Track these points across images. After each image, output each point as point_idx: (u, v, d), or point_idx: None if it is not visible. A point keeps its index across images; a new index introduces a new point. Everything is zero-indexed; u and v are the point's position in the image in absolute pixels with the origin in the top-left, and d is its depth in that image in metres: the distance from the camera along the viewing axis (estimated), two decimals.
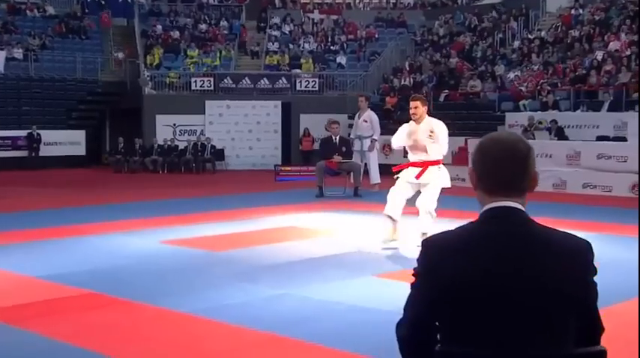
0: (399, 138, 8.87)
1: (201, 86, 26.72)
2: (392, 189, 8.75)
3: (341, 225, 10.51)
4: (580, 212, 12.91)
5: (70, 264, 7.77)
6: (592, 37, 23.75)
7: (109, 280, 6.96)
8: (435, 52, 27.01)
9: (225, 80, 26.81)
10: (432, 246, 2.39)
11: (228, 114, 26.22)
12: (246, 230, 10.09)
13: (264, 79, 26.87)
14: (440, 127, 8.68)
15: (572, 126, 19.43)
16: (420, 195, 8.70)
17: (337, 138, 14.64)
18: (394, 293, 6.44)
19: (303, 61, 27.96)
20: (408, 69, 26.53)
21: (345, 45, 29.16)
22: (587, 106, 20.15)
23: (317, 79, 26.80)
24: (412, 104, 8.74)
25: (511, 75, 23.65)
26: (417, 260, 2.42)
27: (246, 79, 26.85)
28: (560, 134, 18.72)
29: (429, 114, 15.37)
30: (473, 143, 19.18)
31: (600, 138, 18.24)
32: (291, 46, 28.94)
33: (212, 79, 26.76)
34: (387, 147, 15.21)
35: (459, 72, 25.26)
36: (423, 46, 28.16)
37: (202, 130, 26.16)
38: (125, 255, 8.32)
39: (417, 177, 8.57)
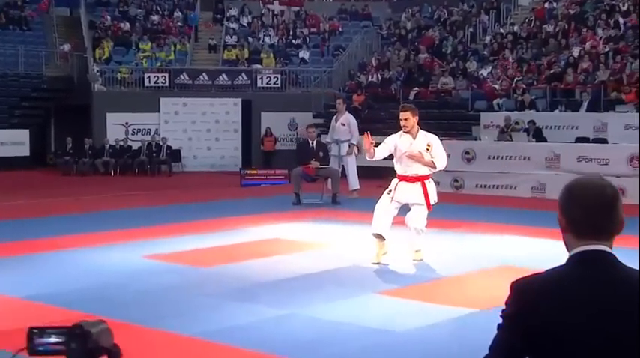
0: (383, 149, 8.86)
1: (155, 82, 26.67)
2: (378, 206, 8.84)
3: (328, 237, 10.70)
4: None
5: (54, 282, 7.81)
6: (567, 33, 24.33)
7: (98, 300, 7.02)
8: (402, 47, 27.36)
9: (181, 76, 26.81)
10: (522, 291, 2.55)
11: (185, 112, 26.22)
12: (230, 242, 10.22)
13: (223, 74, 26.93)
14: (436, 140, 8.88)
15: (550, 127, 19.87)
16: (409, 211, 8.87)
17: (314, 142, 14.83)
18: (402, 313, 6.69)
19: (263, 55, 28.08)
20: (375, 65, 26.84)
21: (307, 39, 29.36)
22: (564, 106, 20.65)
23: (279, 75, 26.96)
24: (402, 115, 8.80)
25: (484, 72, 24.11)
26: (506, 302, 2.57)
27: (204, 74, 26.87)
28: (538, 135, 19.16)
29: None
30: (448, 144, 19.51)
31: (579, 140, 18.67)
32: (250, 39, 29.04)
33: (167, 75, 26.73)
34: (355, 148, 15.41)
35: (428, 68, 25.66)
36: (390, 41, 28.50)
37: (157, 129, 26.12)
38: (109, 271, 8.37)
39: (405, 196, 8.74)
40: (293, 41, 29.26)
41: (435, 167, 8.82)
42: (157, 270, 8.40)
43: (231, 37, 29.00)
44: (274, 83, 26.85)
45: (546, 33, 24.92)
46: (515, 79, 22.75)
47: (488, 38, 26.35)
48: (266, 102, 26.30)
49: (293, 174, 14.53)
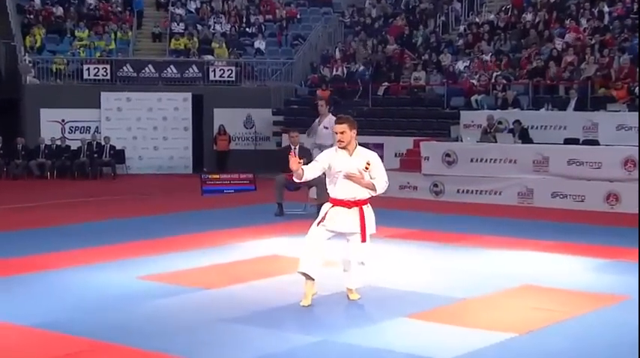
0: (315, 168, 8.39)
1: (95, 75, 26.71)
2: (307, 239, 8.35)
3: (329, 254, 11.02)
4: (562, 230, 13.94)
5: (56, 307, 8.04)
6: (549, 23, 25.09)
7: (111, 328, 7.27)
8: (368, 37, 27.87)
9: (125, 68, 26.88)
10: None
11: (129, 108, 26.33)
12: (226, 261, 10.53)
13: (171, 66, 27.10)
14: (376, 159, 8.39)
15: (536, 127, 20.50)
16: (349, 245, 8.44)
17: (297, 147, 15.16)
18: (439, 338, 7.10)
19: (215, 45, 28.30)
20: (339, 57, 27.29)
21: (262, 27, 29.67)
22: (551, 104, 21.33)
23: (233, 68, 27.23)
24: (337, 128, 8.26)
25: (460, 65, 24.73)
26: None
27: (150, 66, 27.00)
28: (524, 136, 19.77)
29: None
30: (428, 145, 20.04)
31: (568, 141, 19.29)
32: (199, 27, 29.21)
33: (108, 67, 26.78)
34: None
35: (398, 61, 26.20)
36: (353, 30, 28.99)
37: (98, 127, 26.18)
38: (107, 294, 8.60)
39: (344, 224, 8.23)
40: (247, 29, 29.55)
41: (374, 190, 8.31)
42: (160, 293, 8.64)
43: (178, 25, 29.14)
44: (228, 76, 27.12)
45: (526, 23, 25.63)
46: (494, 74, 23.38)
47: (461, 28, 27.01)
48: (219, 98, 26.55)
49: (276, 182, 14.84)
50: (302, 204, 15.38)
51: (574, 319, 7.74)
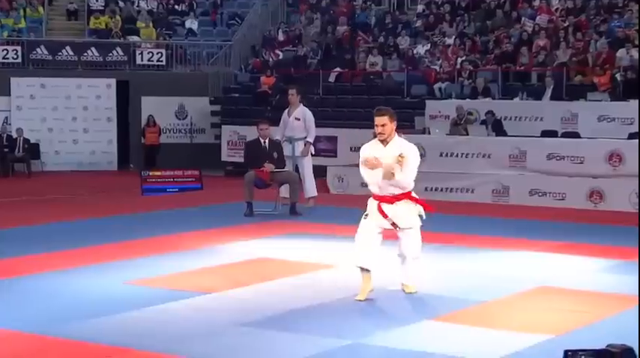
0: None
1: (4, 57, 26.79)
2: (358, 234, 9.26)
3: (322, 256, 11.77)
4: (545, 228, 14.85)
5: (51, 312, 8.63)
6: (516, 3, 26.08)
7: (124, 332, 7.87)
8: (315, 17, 28.55)
9: (38, 49, 27.05)
10: None
11: (43, 96, 26.52)
12: (212, 264, 11.14)
13: (92, 48, 27.36)
14: (410, 152, 9.10)
15: (510, 118, 21.38)
16: (400, 241, 9.36)
17: (266, 141, 15.74)
18: (475, 340, 7.84)
19: (140, 24, 28.66)
20: (282, 38, 27.93)
21: (194, 4, 30.10)
22: (525, 93, 22.28)
23: (163, 50, 27.62)
24: (378, 120, 9.07)
25: (420, 49, 25.59)
26: None
27: (68, 48, 27.21)
28: (498, 128, 20.65)
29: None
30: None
31: (546, 134, 20.25)
32: (121, 4, 29.49)
33: (19, 48, 26.91)
34: (312, 147, 16.67)
35: (350, 44, 26.95)
36: (297, 8, 29.65)
37: (7, 118, 26.27)
38: (101, 299, 9.16)
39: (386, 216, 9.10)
40: (176, 7, 29.94)
41: (394, 178, 9.02)
42: (160, 298, 9.19)
43: (97, 1, 29.35)
44: (157, 60, 27.49)
45: (490, 2, 26.56)
46: (459, 60, 24.27)
47: (419, 7, 27.85)
48: (147, 84, 26.91)
49: (245, 179, 15.37)
50: (272, 203, 15.96)
51: (608, 320, 8.52)
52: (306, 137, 16.64)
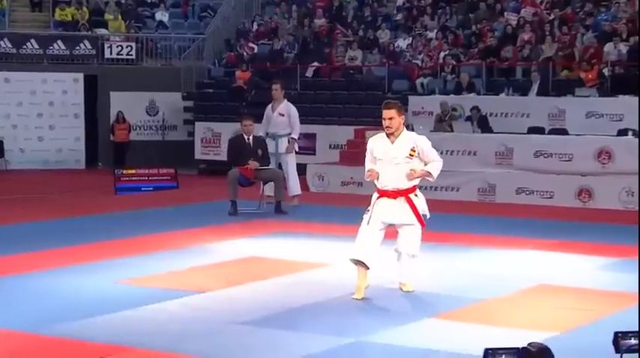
0: (371, 161, 9.60)
1: None
2: (360, 231, 9.54)
3: (313, 255, 12.07)
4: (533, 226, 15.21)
5: (43, 312, 8.85)
6: None
7: (124, 331, 8.12)
8: (291, 9, 28.78)
9: (1, 42, 27.06)
10: None
11: (7, 91, 26.56)
12: (202, 263, 11.40)
13: (59, 41, 27.40)
14: (422, 142, 9.54)
15: (495, 115, 21.70)
16: (399, 237, 9.70)
17: (250, 137, 15.95)
18: (480, 337, 8.09)
19: (109, 17, 28.75)
20: (257, 31, 28.14)
21: None
22: (511, 89, 22.62)
23: (133, 44, 27.72)
24: (386, 114, 9.39)
25: (401, 43, 25.88)
26: None
27: (33, 41, 27.24)
28: (483, 125, 20.95)
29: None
30: (371, 136, 20.95)
31: (533, 131, 20.57)
32: None
33: None
34: (296, 143, 16.92)
35: (329, 38, 27.20)
36: (272, 0, 29.86)
37: None
38: (95, 298, 9.40)
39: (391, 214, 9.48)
40: None
41: (432, 177, 9.67)
42: (154, 297, 9.43)
43: None
44: (127, 54, 27.58)
45: None
46: (442, 54, 24.57)
47: (400, 0, 28.12)
48: (116, 79, 26.98)
49: (229, 177, 15.58)
50: (255, 201, 16.19)
51: (610, 317, 8.82)
52: (290, 133, 16.85)
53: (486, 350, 3.52)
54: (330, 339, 7.98)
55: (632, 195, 17.75)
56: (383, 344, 7.87)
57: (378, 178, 9.49)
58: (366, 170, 9.66)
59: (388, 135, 9.49)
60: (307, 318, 8.75)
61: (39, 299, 9.52)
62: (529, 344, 3.57)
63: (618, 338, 3.58)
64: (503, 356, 3.55)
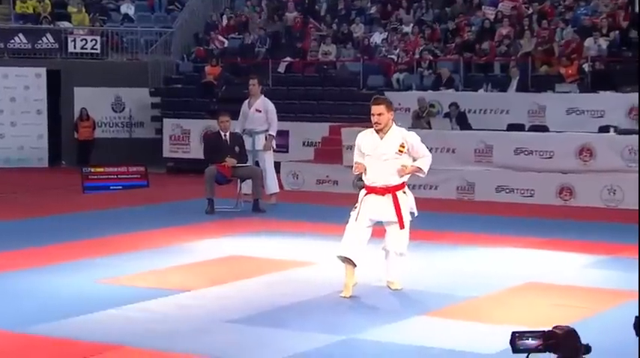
0: (360, 156, 9.85)
1: None
2: (348, 228, 9.74)
3: (296, 253, 12.30)
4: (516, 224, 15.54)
5: (26, 312, 9.03)
6: None
7: (114, 330, 8.32)
8: (260, 1, 28.92)
9: None
10: None
11: None
12: (183, 262, 11.59)
13: (20, 35, 27.38)
14: (411, 138, 9.83)
15: (474, 111, 21.98)
16: (387, 235, 9.92)
17: (227, 134, 16.13)
18: (474, 334, 8.39)
19: (72, 9, 28.78)
20: (227, 25, 28.28)
21: None
22: (490, 84, 22.92)
23: (98, 38, 27.74)
24: (375, 109, 9.65)
25: (376, 38, 26.13)
26: None
27: None
28: (462, 121, 21.22)
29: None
30: (350, 132, 21.14)
31: (512, 127, 20.89)
32: None
33: None
34: (274, 140, 17.17)
35: (301, 31, 27.38)
36: None
37: None
38: (78, 297, 9.59)
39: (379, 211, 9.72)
40: None
41: (422, 173, 9.95)
42: (137, 296, 9.62)
43: None
44: (92, 48, 27.60)
45: None
46: (419, 49, 24.81)
47: None
48: (81, 74, 26.96)
49: (206, 175, 15.73)
50: (232, 200, 16.35)
51: (601, 314, 9.15)
52: (267, 130, 17.01)
53: (513, 333, 3.74)
54: (321, 337, 8.22)
55: (614, 193, 18.04)
56: (375, 342, 8.12)
57: (365, 172, 9.70)
58: (354, 163, 9.88)
59: (377, 131, 9.73)
60: (296, 316, 8.99)
61: (18, 299, 9.68)
62: (555, 327, 3.78)
63: (515, 337, 3.84)
64: (530, 338, 3.76)
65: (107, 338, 8.04)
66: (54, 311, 9.04)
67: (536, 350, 3.86)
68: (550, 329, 3.87)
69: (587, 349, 3.89)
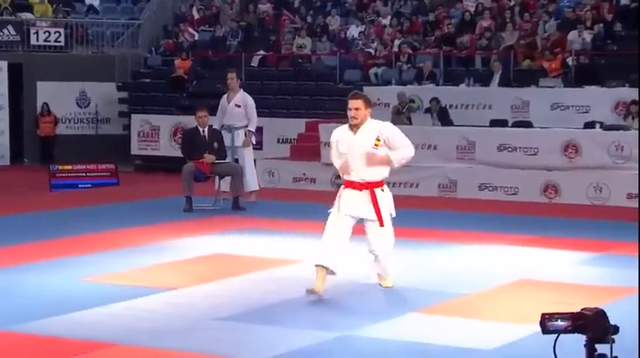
0: (337, 153, 10.05)
1: None
2: (326, 230, 9.85)
3: (281, 251, 12.54)
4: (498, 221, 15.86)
5: (11, 310, 9.22)
6: None
7: (104, 328, 8.53)
8: None
9: None
10: None
11: None
12: (166, 260, 11.84)
13: None
14: (387, 130, 9.94)
15: (455, 106, 22.20)
16: (371, 237, 10.00)
17: (205, 130, 16.33)
18: (470, 331, 8.67)
19: (34, 0, 28.83)
20: (197, 17, 28.46)
21: None
22: (472, 79, 23.21)
23: (61, 30, 27.83)
24: (352, 104, 9.78)
25: (353, 31, 26.39)
26: None
27: None
28: (443, 117, 21.48)
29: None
30: (326, 130, 21.36)
31: (495, 123, 21.11)
32: None
33: None
34: (253, 136, 17.38)
35: (274, 24, 27.59)
36: None
37: None
38: (64, 295, 9.82)
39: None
40: None
41: (392, 163, 9.86)
42: (123, 294, 9.83)
43: None
44: (55, 40, 27.68)
45: None
46: (397, 42, 25.08)
47: None
48: (44, 68, 27.09)
49: (184, 172, 15.90)
50: (209, 198, 16.55)
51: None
52: (246, 125, 17.22)
53: (543, 315, 4.05)
54: (315, 334, 8.47)
55: (600, 191, 18.34)
56: (371, 338, 8.38)
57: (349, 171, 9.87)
58: (336, 166, 10.14)
59: (352, 127, 9.90)
60: (287, 313, 9.23)
61: (1, 297, 9.85)
62: (583, 309, 4.09)
63: (545, 319, 4.15)
64: (559, 320, 4.07)
65: (96, 336, 8.24)
66: (39, 309, 9.22)
67: (566, 331, 4.15)
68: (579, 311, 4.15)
69: (616, 329, 4.17)
